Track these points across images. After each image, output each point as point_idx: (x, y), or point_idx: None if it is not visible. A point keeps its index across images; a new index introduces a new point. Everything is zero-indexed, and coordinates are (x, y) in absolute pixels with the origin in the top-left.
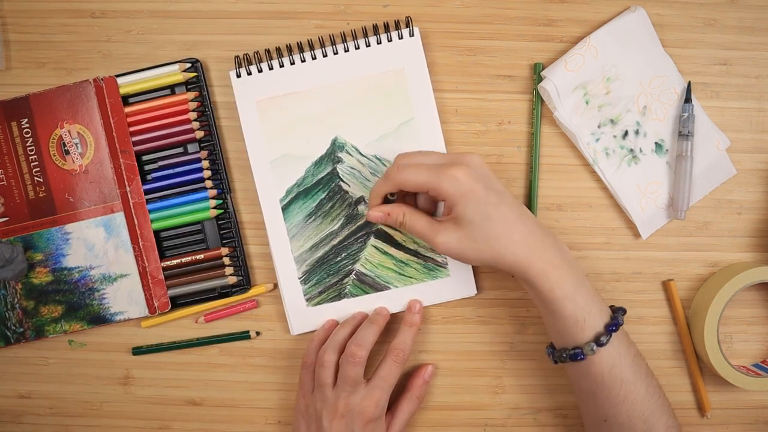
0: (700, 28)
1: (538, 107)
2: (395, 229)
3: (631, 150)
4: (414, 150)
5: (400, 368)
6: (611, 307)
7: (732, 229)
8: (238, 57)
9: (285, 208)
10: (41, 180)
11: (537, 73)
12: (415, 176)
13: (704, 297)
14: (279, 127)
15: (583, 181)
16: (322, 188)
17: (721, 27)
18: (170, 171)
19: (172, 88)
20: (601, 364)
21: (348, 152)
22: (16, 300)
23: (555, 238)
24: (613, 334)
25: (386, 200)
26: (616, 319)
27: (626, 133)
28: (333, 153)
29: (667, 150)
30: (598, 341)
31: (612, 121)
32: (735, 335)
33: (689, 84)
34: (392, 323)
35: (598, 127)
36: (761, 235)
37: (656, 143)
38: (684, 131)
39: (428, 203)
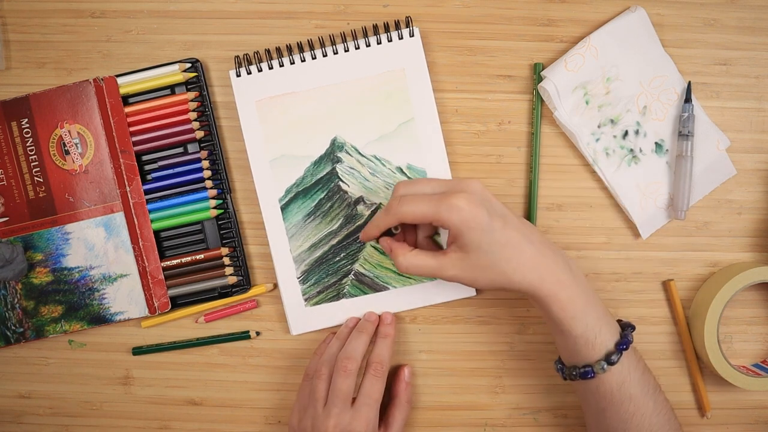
0: (700, 28)
1: (539, 107)
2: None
3: (631, 150)
4: (412, 179)
5: (382, 381)
6: (619, 321)
7: (732, 229)
8: (237, 57)
9: (284, 208)
10: (41, 180)
11: (537, 73)
12: (417, 208)
13: (704, 297)
14: (278, 127)
15: (583, 181)
16: (322, 188)
17: (721, 27)
18: (170, 171)
19: (172, 88)
20: (610, 381)
21: (347, 152)
22: (16, 300)
23: (564, 256)
24: (624, 352)
25: (389, 232)
26: (626, 337)
27: (626, 133)
28: (332, 153)
29: (667, 150)
30: (608, 360)
31: (612, 121)
32: (735, 335)
33: (689, 84)
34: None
35: (598, 127)
36: (761, 235)
37: (656, 143)
38: (684, 131)
39: (429, 229)
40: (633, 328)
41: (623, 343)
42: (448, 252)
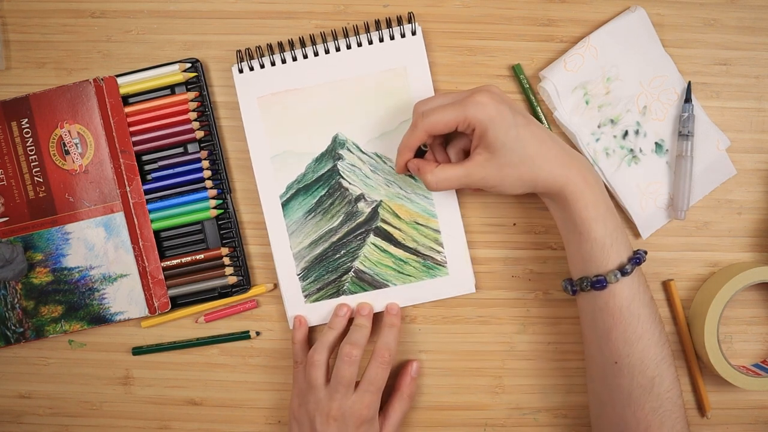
0: (700, 28)
1: (537, 107)
2: (395, 227)
3: (631, 150)
4: (427, 97)
5: (387, 369)
6: None
7: (732, 229)
8: (240, 51)
9: (285, 205)
10: (41, 180)
11: (518, 75)
12: (442, 116)
13: (704, 297)
14: (280, 123)
15: None
16: (323, 185)
17: (721, 27)
18: (170, 171)
19: (172, 88)
20: (621, 296)
21: (349, 149)
22: (16, 300)
23: (585, 158)
24: (636, 267)
25: (419, 152)
26: (638, 253)
27: (626, 133)
28: (334, 150)
29: (667, 150)
30: (622, 270)
31: (612, 121)
32: (735, 335)
33: (689, 84)
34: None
35: (598, 127)
36: (761, 235)
37: (656, 143)
38: (684, 131)
39: (458, 144)
40: (645, 251)
41: (636, 258)
42: (473, 157)
